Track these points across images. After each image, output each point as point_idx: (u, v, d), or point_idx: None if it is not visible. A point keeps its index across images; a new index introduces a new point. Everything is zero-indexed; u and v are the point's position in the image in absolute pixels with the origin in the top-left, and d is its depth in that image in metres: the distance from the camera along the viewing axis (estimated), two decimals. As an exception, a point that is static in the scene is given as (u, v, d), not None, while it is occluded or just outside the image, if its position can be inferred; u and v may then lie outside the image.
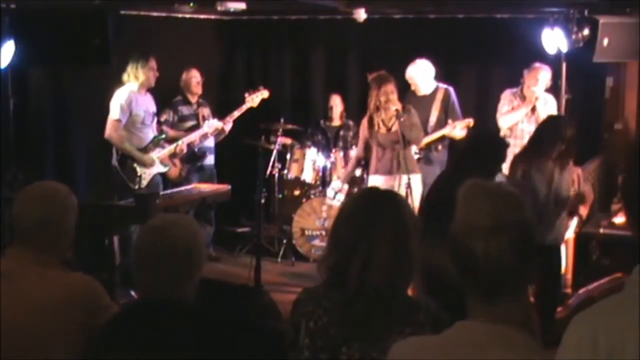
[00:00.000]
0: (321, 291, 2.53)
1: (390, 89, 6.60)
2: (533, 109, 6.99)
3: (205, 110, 7.93)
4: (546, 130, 5.40)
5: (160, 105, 7.47)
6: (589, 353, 1.53)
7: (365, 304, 2.41)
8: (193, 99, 7.90)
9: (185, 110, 7.84)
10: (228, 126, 7.74)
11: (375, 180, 6.68)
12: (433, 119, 7.40)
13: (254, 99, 7.81)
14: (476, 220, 1.83)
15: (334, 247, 2.53)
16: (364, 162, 7.32)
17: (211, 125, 7.69)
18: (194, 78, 7.87)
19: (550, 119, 5.84)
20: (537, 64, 7.02)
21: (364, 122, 6.79)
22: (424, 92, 7.47)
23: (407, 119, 6.61)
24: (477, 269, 1.81)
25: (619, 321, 1.53)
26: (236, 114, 7.76)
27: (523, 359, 1.76)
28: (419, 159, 7.20)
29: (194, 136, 7.58)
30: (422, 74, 7.45)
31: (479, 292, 1.85)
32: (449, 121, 7.34)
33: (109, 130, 6.87)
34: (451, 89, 7.52)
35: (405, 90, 7.47)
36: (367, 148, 6.88)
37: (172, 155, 7.37)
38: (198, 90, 7.90)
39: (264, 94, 7.87)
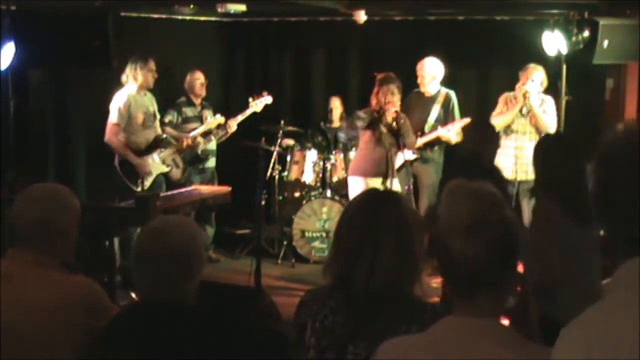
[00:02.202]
0: (326, 292, 2.54)
1: (392, 90, 6.64)
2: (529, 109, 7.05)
3: (209, 113, 7.94)
4: None
5: (162, 107, 7.48)
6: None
7: (371, 304, 2.42)
8: (197, 101, 7.91)
9: (189, 112, 7.84)
10: (232, 129, 7.77)
11: (360, 183, 6.71)
12: (432, 119, 7.46)
13: (257, 104, 7.85)
14: (455, 218, 1.88)
15: (338, 252, 2.53)
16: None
17: (212, 122, 7.72)
18: (198, 80, 7.88)
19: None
20: (530, 65, 7.08)
21: (366, 116, 6.79)
22: (430, 91, 7.51)
23: (404, 123, 6.67)
24: (455, 265, 1.86)
25: (611, 326, 1.52)
26: (240, 118, 7.80)
27: (502, 350, 1.80)
28: (415, 159, 7.28)
29: (197, 132, 7.61)
30: (435, 71, 7.49)
31: (458, 288, 1.89)
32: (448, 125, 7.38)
33: (108, 134, 6.89)
34: (453, 93, 7.55)
35: (406, 92, 7.50)
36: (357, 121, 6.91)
37: (179, 151, 7.41)
38: (202, 92, 7.91)
39: (268, 99, 7.90)
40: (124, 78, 6.92)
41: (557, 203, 3.79)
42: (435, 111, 7.50)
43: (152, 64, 6.95)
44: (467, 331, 1.84)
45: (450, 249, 1.85)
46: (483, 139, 5.47)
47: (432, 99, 7.54)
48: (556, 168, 3.89)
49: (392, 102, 6.64)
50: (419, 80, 7.54)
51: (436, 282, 7.04)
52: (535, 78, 7.04)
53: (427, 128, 7.47)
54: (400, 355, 1.92)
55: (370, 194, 2.74)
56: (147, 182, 6.99)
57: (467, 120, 7.36)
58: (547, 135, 6.20)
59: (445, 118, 7.47)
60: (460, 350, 1.82)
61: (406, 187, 6.82)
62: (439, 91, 7.56)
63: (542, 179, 4.04)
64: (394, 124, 6.66)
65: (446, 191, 1.92)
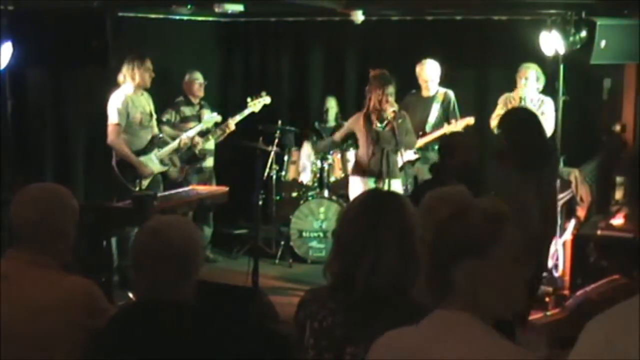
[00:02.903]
0: (326, 292, 2.54)
1: (391, 90, 6.65)
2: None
3: (207, 112, 7.95)
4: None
5: (159, 106, 7.47)
6: (602, 355, 1.54)
7: (370, 305, 2.42)
8: (195, 101, 7.92)
9: (187, 111, 7.85)
10: (230, 129, 7.77)
11: (359, 183, 6.71)
12: (432, 119, 7.50)
13: (256, 105, 7.86)
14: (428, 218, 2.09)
15: (339, 252, 2.53)
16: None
17: (209, 120, 7.74)
18: (197, 80, 7.89)
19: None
20: (523, 65, 7.17)
21: (359, 117, 6.78)
22: (430, 93, 7.54)
23: (402, 122, 6.67)
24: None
25: (633, 324, 1.53)
26: (238, 117, 7.80)
27: (464, 339, 1.88)
28: (417, 159, 7.29)
29: (194, 131, 7.61)
30: (436, 73, 7.53)
31: (429, 286, 2.02)
32: (452, 121, 7.39)
33: (111, 136, 6.85)
34: (451, 92, 7.58)
35: (403, 91, 7.51)
36: (347, 138, 6.96)
37: (177, 151, 7.41)
38: (200, 93, 7.92)
39: (266, 100, 7.91)
40: (120, 78, 6.89)
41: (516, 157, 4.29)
42: (435, 111, 7.54)
43: (148, 63, 6.94)
44: (438, 323, 1.93)
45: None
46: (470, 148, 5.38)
47: (431, 99, 7.57)
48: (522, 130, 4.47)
49: (390, 102, 6.63)
50: (423, 85, 7.56)
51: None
52: (529, 76, 7.11)
53: (428, 128, 7.50)
54: (391, 348, 2.00)
55: (371, 194, 2.75)
56: (145, 182, 6.98)
57: (469, 119, 7.37)
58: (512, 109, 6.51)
59: (446, 117, 7.51)
60: (431, 340, 1.90)
61: (403, 187, 6.82)
62: (437, 91, 7.60)
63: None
64: (393, 123, 6.64)
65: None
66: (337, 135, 7.21)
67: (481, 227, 1.91)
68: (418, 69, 7.59)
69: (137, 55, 6.89)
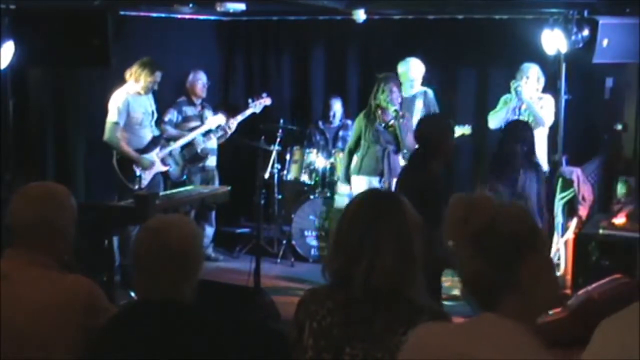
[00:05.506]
0: (325, 292, 2.53)
1: (392, 88, 6.64)
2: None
3: (209, 113, 7.95)
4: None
5: (159, 106, 7.48)
6: (615, 354, 1.52)
7: (369, 306, 2.42)
8: (197, 101, 7.93)
9: (189, 111, 7.86)
10: (232, 129, 7.78)
11: (361, 182, 6.69)
12: (417, 118, 7.40)
13: (257, 106, 7.88)
14: None
15: (338, 251, 2.52)
16: None
17: (213, 122, 7.74)
18: (200, 81, 7.90)
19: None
20: (523, 65, 7.12)
21: (361, 117, 6.77)
22: (413, 91, 7.45)
23: (404, 122, 6.66)
24: None
25: None
26: (239, 118, 7.81)
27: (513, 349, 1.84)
28: None
29: (198, 132, 7.61)
30: (421, 73, 7.46)
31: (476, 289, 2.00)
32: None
33: (108, 134, 6.91)
34: (430, 90, 7.50)
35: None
36: (358, 143, 6.88)
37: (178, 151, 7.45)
38: (202, 93, 7.93)
39: (267, 101, 7.94)
40: (127, 75, 6.94)
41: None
42: (418, 112, 7.39)
43: (158, 76, 6.99)
44: (494, 330, 1.86)
45: None
46: None
47: (413, 98, 7.40)
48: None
49: (392, 100, 6.62)
50: (408, 84, 7.36)
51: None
52: (530, 75, 7.06)
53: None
54: (427, 342, 1.95)
55: (370, 193, 2.74)
56: (145, 181, 7.00)
57: (467, 128, 7.30)
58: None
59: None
60: (484, 347, 1.83)
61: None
62: (419, 90, 7.51)
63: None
64: (393, 122, 6.63)
65: None
66: (351, 144, 7.01)
67: (529, 220, 1.92)
68: (403, 68, 7.47)
69: (154, 62, 6.97)
